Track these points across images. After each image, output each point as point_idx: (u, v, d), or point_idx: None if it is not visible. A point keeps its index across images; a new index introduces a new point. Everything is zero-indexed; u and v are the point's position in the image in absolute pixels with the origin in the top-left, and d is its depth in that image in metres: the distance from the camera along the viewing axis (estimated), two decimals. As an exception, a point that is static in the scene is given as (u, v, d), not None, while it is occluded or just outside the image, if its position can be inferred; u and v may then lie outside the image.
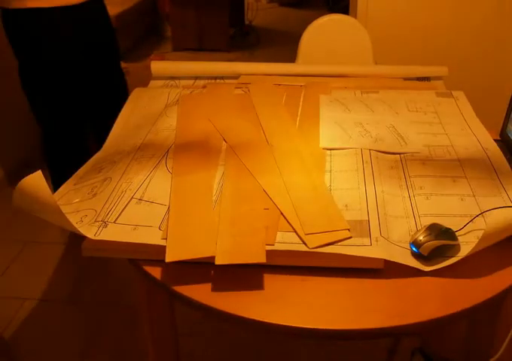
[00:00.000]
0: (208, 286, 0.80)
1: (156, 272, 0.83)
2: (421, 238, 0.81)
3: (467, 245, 0.83)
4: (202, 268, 0.83)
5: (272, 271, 0.82)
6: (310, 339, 1.50)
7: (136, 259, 0.86)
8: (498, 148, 1.12)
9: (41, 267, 1.95)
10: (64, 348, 1.61)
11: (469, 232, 0.86)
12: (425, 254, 0.80)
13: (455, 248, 0.83)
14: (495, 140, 1.17)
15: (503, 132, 1.22)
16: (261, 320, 0.75)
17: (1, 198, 2.32)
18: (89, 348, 1.61)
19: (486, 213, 0.90)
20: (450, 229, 0.84)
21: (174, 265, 0.83)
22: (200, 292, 0.79)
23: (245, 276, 0.81)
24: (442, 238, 0.81)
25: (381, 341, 1.54)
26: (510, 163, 1.07)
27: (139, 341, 1.60)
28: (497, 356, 0.85)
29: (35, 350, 1.61)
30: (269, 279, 0.81)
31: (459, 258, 0.81)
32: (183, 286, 0.80)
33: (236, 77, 1.51)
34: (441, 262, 0.81)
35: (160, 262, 0.84)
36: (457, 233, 0.84)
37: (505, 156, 1.10)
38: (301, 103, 1.33)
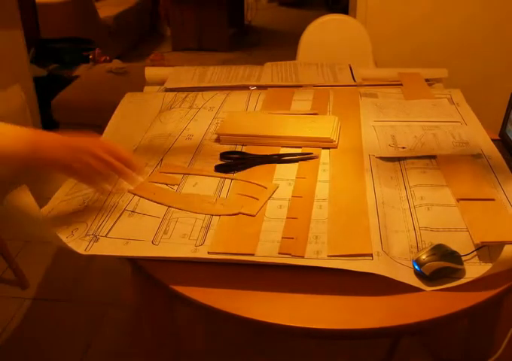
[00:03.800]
0: (208, 286, 0.80)
1: (156, 272, 0.83)
2: (424, 257, 0.79)
3: (470, 267, 0.81)
4: (202, 268, 0.83)
5: (273, 270, 0.82)
6: (310, 339, 1.50)
7: (136, 259, 0.86)
8: (496, 149, 1.12)
9: (41, 266, 1.95)
10: (64, 348, 1.61)
11: (474, 256, 0.83)
12: (427, 274, 0.78)
13: (460, 271, 0.80)
14: (494, 140, 1.17)
15: (502, 132, 1.22)
16: (261, 319, 0.75)
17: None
18: (88, 348, 1.60)
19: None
20: (457, 252, 0.81)
21: (174, 265, 0.84)
22: (200, 292, 0.79)
23: (245, 276, 0.82)
24: (446, 260, 0.79)
25: (381, 341, 1.54)
26: (508, 163, 1.07)
27: (139, 341, 1.60)
28: (496, 356, 0.85)
29: (35, 350, 1.61)
30: (269, 279, 0.81)
31: (464, 281, 0.78)
32: (183, 286, 0.80)
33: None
34: (443, 282, 0.78)
35: (160, 262, 0.84)
36: (463, 258, 0.81)
37: (504, 155, 1.10)
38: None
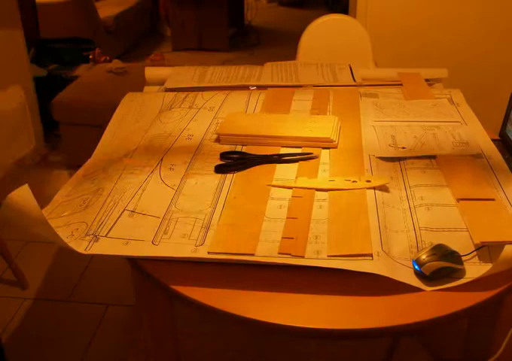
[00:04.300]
0: (208, 286, 0.80)
1: (156, 272, 0.83)
2: (424, 257, 0.79)
3: (470, 267, 0.81)
4: (202, 268, 0.83)
5: (273, 270, 0.82)
6: (310, 339, 1.50)
7: (136, 259, 0.86)
8: (496, 149, 1.12)
9: (41, 266, 1.95)
10: (64, 348, 1.61)
11: (474, 256, 0.83)
12: (427, 274, 0.78)
13: (460, 271, 0.80)
14: (494, 140, 1.17)
15: (502, 132, 1.23)
16: (261, 319, 0.75)
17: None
18: (88, 348, 1.61)
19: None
20: (457, 252, 0.81)
21: (174, 265, 0.84)
22: (200, 292, 0.79)
23: (245, 276, 0.82)
24: (446, 260, 0.79)
25: (381, 341, 1.54)
26: (508, 163, 1.07)
27: (139, 341, 1.60)
28: (496, 356, 0.85)
29: (35, 350, 1.61)
30: (269, 279, 0.81)
31: (464, 281, 0.79)
32: (183, 286, 0.80)
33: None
34: (443, 282, 0.78)
35: (159, 262, 0.84)
36: (463, 258, 0.81)
37: (504, 155, 1.10)
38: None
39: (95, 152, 1.18)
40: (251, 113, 1.31)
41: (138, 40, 4.58)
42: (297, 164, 1.08)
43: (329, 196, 0.96)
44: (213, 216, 0.92)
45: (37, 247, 2.06)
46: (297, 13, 5.50)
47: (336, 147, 1.13)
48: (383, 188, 0.98)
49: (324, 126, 1.17)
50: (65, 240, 0.85)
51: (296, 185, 1.00)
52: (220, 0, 4.23)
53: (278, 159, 1.09)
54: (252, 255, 0.82)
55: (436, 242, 0.83)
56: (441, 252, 0.80)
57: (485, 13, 2.22)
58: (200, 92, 1.42)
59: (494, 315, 0.94)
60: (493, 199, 0.94)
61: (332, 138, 1.13)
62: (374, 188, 0.97)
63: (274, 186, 0.99)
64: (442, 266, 0.78)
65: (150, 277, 0.83)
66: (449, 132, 1.18)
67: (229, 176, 1.04)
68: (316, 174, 1.04)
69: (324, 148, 1.13)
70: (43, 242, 2.06)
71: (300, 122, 1.20)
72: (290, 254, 0.82)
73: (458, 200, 0.94)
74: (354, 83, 1.47)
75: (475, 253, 0.83)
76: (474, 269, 0.80)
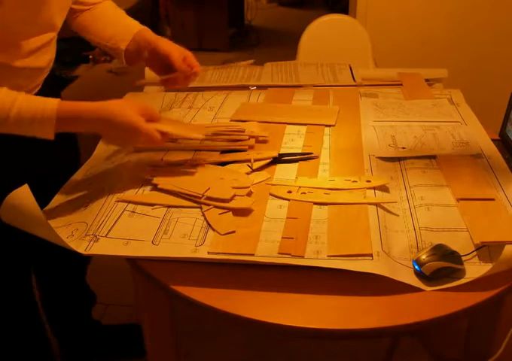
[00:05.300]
0: (208, 286, 0.80)
1: (156, 272, 0.83)
2: (424, 257, 0.79)
3: (470, 267, 0.81)
4: (202, 268, 0.83)
5: (273, 270, 0.82)
6: (310, 339, 1.50)
7: (136, 259, 0.86)
8: (496, 149, 1.12)
9: (41, 267, 1.95)
10: (64, 348, 1.61)
11: (474, 256, 0.83)
12: (427, 274, 0.78)
13: (460, 271, 0.80)
14: (494, 140, 1.17)
15: (502, 132, 1.23)
16: (261, 319, 0.75)
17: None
18: (89, 348, 1.60)
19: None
20: (457, 252, 0.81)
21: (174, 265, 0.84)
22: (200, 292, 0.79)
23: (245, 276, 0.82)
24: (446, 260, 0.79)
25: (381, 341, 1.54)
26: (508, 163, 1.07)
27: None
28: (496, 356, 0.85)
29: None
30: (269, 279, 0.81)
31: (464, 281, 0.79)
32: (183, 286, 0.80)
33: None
34: (443, 282, 0.78)
35: (159, 262, 0.84)
36: (463, 258, 0.81)
37: (504, 155, 1.10)
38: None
39: (95, 152, 1.18)
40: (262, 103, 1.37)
41: (138, 40, 4.59)
42: (296, 164, 1.08)
43: (329, 197, 0.96)
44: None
45: (37, 247, 2.05)
46: (297, 13, 5.49)
47: (334, 125, 1.23)
48: (383, 188, 0.98)
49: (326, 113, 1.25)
50: (65, 240, 0.85)
51: (296, 184, 1.00)
52: (220, 0, 4.23)
53: (278, 159, 1.09)
54: (252, 255, 0.82)
55: (436, 242, 0.84)
56: (441, 252, 0.80)
57: (485, 13, 2.22)
58: (200, 92, 1.42)
59: (494, 315, 0.94)
60: (493, 199, 0.94)
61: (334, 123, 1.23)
62: (374, 188, 0.97)
63: (273, 195, 0.99)
64: (442, 266, 0.78)
65: (150, 277, 0.83)
66: (449, 132, 1.18)
67: (229, 176, 1.04)
68: (316, 174, 1.04)
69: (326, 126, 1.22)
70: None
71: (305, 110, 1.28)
72: (290, 254, 0.82)
73: (458, 200, 0.94)
74: (354, 83, 1.47)
75: (475, 253, 0.83)
76: (474, 269, 0.80)
